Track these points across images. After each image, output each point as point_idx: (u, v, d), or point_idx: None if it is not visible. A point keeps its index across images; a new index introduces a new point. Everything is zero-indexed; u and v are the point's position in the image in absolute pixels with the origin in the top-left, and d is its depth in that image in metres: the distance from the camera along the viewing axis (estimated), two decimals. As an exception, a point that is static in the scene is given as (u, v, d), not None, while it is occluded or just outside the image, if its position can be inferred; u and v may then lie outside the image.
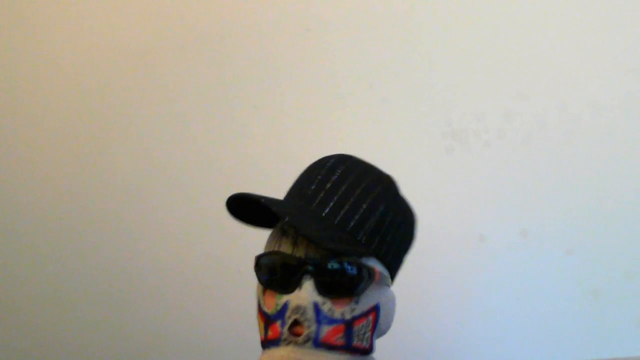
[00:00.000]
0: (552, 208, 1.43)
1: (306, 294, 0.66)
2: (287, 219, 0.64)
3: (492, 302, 1.43)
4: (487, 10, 1.47)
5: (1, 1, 1.52)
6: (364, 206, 0.71)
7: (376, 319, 0.72)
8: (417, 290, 1.44)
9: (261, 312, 0.70)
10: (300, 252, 0.68)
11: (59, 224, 1.51)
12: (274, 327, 0.67)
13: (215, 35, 1.49)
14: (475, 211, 1.44)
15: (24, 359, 1.51)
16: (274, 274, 0.69)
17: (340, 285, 0.67)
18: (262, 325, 0.70)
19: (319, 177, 0.72)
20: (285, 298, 0.67)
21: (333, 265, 0.67)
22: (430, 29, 1.47)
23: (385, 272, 0.74)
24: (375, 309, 0.71)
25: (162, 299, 1.49)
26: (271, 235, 0.74)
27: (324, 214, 0.69)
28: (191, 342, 1.48)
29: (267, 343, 0.68)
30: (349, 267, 0.68)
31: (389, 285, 0.76)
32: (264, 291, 0.71)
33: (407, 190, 1.45)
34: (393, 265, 0.76)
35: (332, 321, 0.67)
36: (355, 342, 0.69)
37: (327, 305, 0.67)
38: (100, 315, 1.50)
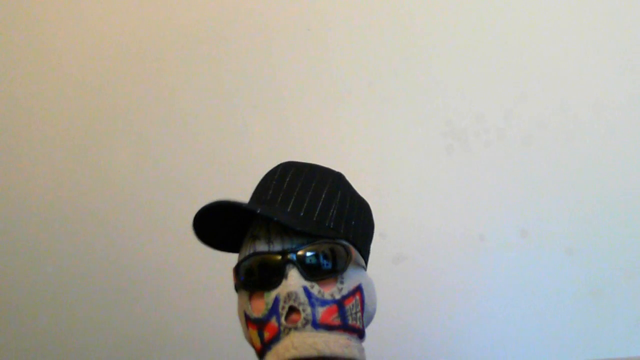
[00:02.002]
0: (552, 208, 1.43)
1: (294, 280, 0.67)
2: (258, 211, 0.67)
3: (492, 302, 1.43)
4: (488, 10, 1.47)
5: (2, 1, 1.52)
6: (323, 196, 0.74)
7: (362, 300, 0.73)
8: (417, 290, 1.44)
9: (251, 322, 0.71)
10: (276, 247, 0.70)
11: (59, 224, 1.51)
12: (269, 326, 0.68)
13: (216, 35, 1.49)
14: (475, 211, 1.44)
15: (24, 359, 1.51)
16: (257, 274, 0.70)
17: (322, 266, 0.69)
18: (256, 333, 0.70)
19: (273, 183, 0.75)
20: (274, 293, 0.68)
21: (311, 249, 0.69)
22: (430, 28, 1.47)
23: (359, 255, 0.76)
24: (360, 290, 0.73)
25: (162, 298, 1.49)
26: (242, 249, 0.75)
27: (289, 210, 0.72)
28: (191, 341, 1.48)
29: (267, 345, 0.68)
30: (327, 248, 0.70)
31: (364, 269, 0.78)
32: (249, 299, 0.71)
33: (407, 190, 1.46)
34: (363, 250, 0.78)
35: (324, 302, 0.68)
36: (351, 322, 0.70)
37: (315, 288, 0.68)
38: (100, 315, 1.50)
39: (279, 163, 0.80)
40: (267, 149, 1.46)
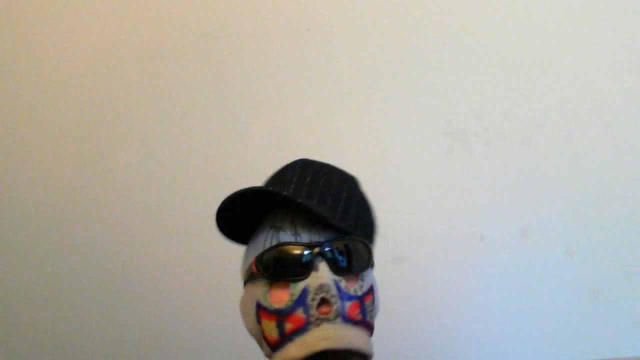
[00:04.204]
0: (552, 208, 1.43)
1: (325, 272, 0.68)
2: (299, 201, 0.68)
3: (492, 302, 1.43)
4: (487, 10, 1.47)
5: (2, 1, 1.52)
6: (344, 195, 0.75)
7: (374, 298, 0.74)
8: (417, 290, 1.44)
9: (268, 314, 0.70)
10: (304, 239, 0.70)
11: (59, 224, 1.51)
12: (293, 317, 0.67)
13: (216, 35, 1.49)
14: (475, 211, 1.44)
15: (24, 359, 1.51)
16: (284, 264, 0.70)
17: (349, 262, 0.70)
18: (273, 325, 0.69)
19: (294, 178, 0.75)
20: (301, 285, 0.68)
21: (343, 245, 0.70)
22: (430, 28, 1.47)
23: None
24: (372, 289, 0.74)
25: (162, 298, 1.49)
26: (258, 240, 0.75)
27: (314, 204, 0.72)
28: (191, 341, 1.48)
29: (288, 337, 0.67)
30: (354, 245, 0.71)
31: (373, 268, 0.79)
32: (269, 289, 0.70)
33: (407, 190, 1.46)
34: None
35: (350, 297, 0.69)
36: (368, 318, 0.71)
37: (343, 283, 0.69)
38: (100, 315, 1.50)
39: (278, 163, 0.80)
40: (267, 149, 1.46)
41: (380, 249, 1.41)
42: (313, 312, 0.66)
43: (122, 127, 1.51)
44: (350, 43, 1.48)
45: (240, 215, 0.75)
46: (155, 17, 1.51)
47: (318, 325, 0.66)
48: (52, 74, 1.52)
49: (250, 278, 0.75)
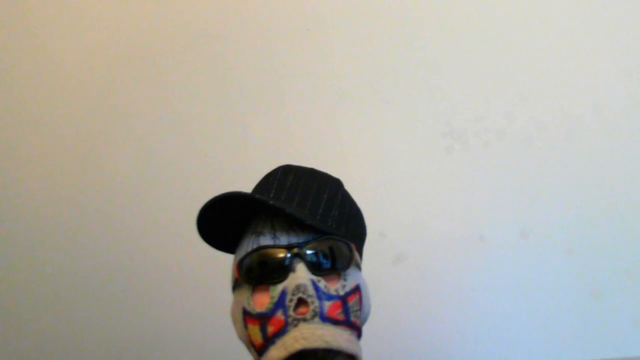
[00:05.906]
0: (552, 208, 1.43)
1: (302, 273, 0.68)
2: (271, 203, 0.68)
3: (492, 302, 1.43)
4: (488, 11, 1.47)
5: (2, 1, 1.52)
6: (325, 196, 0.75)
7: (361, 299, 0.74)
8: (417, 290, 1.44)
9: (252, 318, 0.70)
10: (282, 242, 0.70)
11: (59, 224, 1.51)
12: (274, 320, 0.68)
13: (216, 35, 1.50)
14: (475, 211, 1.44)
15: (24, 359, 1.51)
16: (263, 268, 0.70)
17: (328, 262, 0.70)
18: (257, 329, 0.69)
19: (275, 184, 0.76)
20: (280, 287, 0.68)
21: (319, 244, 0.70)
22: (430, 29, 1.47)
23: (357, 255, 0.76)
24: (359, 289, 0.74)
25: (162, 298, 1.49)
26: (242, 247, 0.75)
27: (293, 207, 0.72)
28: (191, 341, 1.48)
29: (271, 340, 0.68)
30: (333, 244, 0.71)
31: (360, 270, 0.79)
32: (252, 294, 0.71)
33: (408, 190, 1.46)
34: (359, 252, 0.79)
35: (330, 297, 0.69)
36: (353, 318, 0.71)
37: (322, 283, 0.69)
38: (100, 315, 1.50)
39: (278, 164, 0.80)
40: (267, 149, 1.46)
41: (380, 249, 1.42)
42: (291, 313, 0.66)
43: (121, 128, 1.51)
44: (351, 43, 1.48)
45: (227, 224, 0.75)
46: (155, 17, 1.51)
47: (295, 325, 0.66)
48: (51, 74, 1.52)
49: (235, 285, 0.75)
